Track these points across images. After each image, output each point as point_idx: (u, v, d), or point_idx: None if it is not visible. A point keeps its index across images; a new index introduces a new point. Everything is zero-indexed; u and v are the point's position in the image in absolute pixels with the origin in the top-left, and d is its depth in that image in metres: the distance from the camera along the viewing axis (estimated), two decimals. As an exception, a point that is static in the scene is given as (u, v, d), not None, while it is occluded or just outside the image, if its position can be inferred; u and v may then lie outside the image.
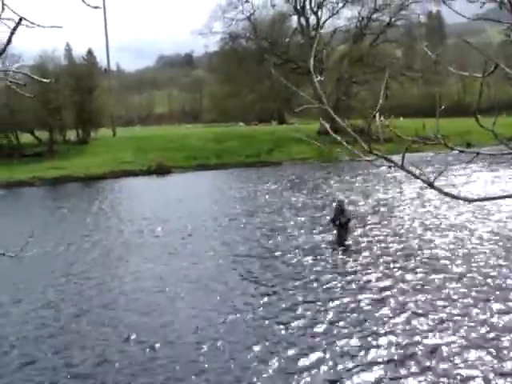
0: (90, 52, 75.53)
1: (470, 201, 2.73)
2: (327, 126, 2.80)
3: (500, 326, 7.63)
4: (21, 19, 2.29)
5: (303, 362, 6.87)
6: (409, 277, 10.00)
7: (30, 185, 27.39)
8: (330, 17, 46.87)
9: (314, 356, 7.00)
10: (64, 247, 13.89)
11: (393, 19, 46.26)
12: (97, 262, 12.34)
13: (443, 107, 2.81)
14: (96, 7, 2.93)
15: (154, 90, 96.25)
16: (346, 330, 7.73)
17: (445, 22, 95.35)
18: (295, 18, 47.98)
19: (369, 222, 14.89)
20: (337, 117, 2.54)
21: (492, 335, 7.33)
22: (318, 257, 11.66)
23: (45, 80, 3.14)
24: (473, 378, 6.29)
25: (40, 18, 3.18)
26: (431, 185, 2.54)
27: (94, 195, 24.23)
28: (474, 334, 7.38)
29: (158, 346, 7.56)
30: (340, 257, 11.68)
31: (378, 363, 6.73)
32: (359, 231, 13.84)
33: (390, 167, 2.64)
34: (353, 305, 8.73)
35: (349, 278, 10.17)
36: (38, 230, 15.71)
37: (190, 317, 8.63)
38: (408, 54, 53.52)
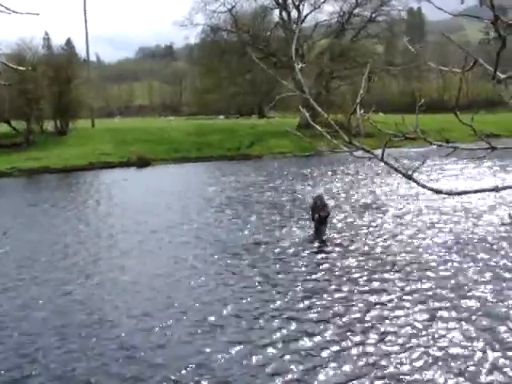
0: (69, 42, 74.62)
1: (446, 194, 2.75)
2: (307, 115, 2.79)
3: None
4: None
5: (281, 355, 6.90)
6: (386, 270, 10.08)
7: (7, 175, 26.99)
8: (311, 11, 46.93)
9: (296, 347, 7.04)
10: (40, 240, 13.73)
11: (374, 15, 46.51)
12: (72, 255, 12.22)
13: (423, 100, 2.82)
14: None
15: (134, 81, 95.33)
16: (323, 323, 7.77)
17: (425, 19, 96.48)
18: (277, 11, 47.97)
19: (348, 216, 14.97)
20: (317, 105, 2.53)
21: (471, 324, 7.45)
22: (296, 251, 11.68)
23: (21, 68, 3.08)
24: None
25: (16, 4, 3.12)
26: (410, 177, 2.56)
27: (73, 187, 23.99)
28: (456, 327, 7.49)
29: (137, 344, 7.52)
30: (318, 251, 11.73)
31: (355, 356, 6.79)
32: (338, 225, 13.91)
33: (369, 159, 2.65)
34: (331, 298, 8.77)
35: (326, 272, 10.22)
36: (14, 223, 15.50)
37: (166, 311, 8.59)
38: (389, 49, 53.94)
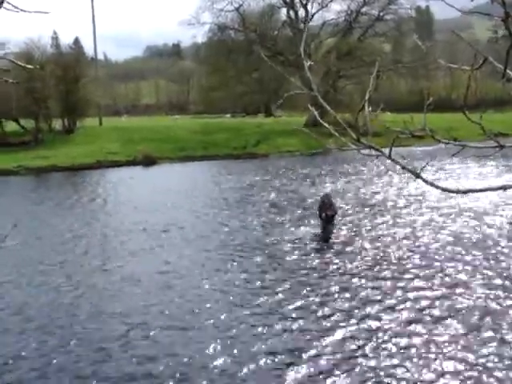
0: (77, 41, 74.82)
1: (454, 192, 2.73)
2: (316, 113, 2.78)
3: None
4: (2, 1, 2.24)
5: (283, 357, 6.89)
6: (393, 269, 10.05)
7: (15, 174, 27.09)
8: (319, 10, 46.84)
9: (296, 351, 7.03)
10: (45, 238, 13.79)
11: (381, 13, 46.37)
12: (77, 254, 12.26)
13: (431, 99, 2.81)
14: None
15: (140, 80, 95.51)
16: (330, 324, 7.76)
17: (433, 17, 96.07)
18: (284, 10, 47.94)
19: (355, 215, 14.94)
20: (325, 104, 2.52)
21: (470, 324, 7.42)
22: (303, 251, 11.66)
23: (29, 66, 3.09)
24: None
25: (25, 3, 3.12)
26: (418, 176, 2.54)
27: (80, 186, 24.06)
28: (463, 326, 7.46)
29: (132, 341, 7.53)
30: (325, 250, 11.71)
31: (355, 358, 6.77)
32: (345, 224, 13.88)
33: (377, 157, 2.64)
34: (337, 297, 8.75)
35: (333, 271, 10.20)
36: (21, 220, 15.57)
37: (168, 310, 8.60)
38: (396, 48, 53.72)
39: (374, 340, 7.14)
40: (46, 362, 6.86)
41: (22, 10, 2.84)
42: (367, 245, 11.90)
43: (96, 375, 6.51)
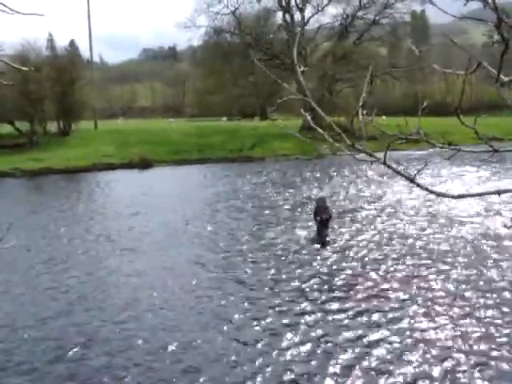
0: (72, 43, 74.81)
1: (449, 197, 2.74)
2: (309, 118, 2.79)
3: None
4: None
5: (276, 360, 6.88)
6: (388, 274, 10.06)
7: (10, 176, 27.06)
8: (314, 13, 46.95)
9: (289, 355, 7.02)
10: (39, 240, 13.75)
11: (377, 17, 46.52)
12: (70, 256, 12.22)
13: (426, 104, 2.82)
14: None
15: (136, 82, 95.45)
16: (324, 329, 7.75)
17: (429, 22, 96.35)
18: (280, 13, 48.02)
19: (350, 218, 14.95)
20: (319, 109, 2.53)
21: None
22: (298, 254, 11.66)
23: (24, 68, 3.09)
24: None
25: (20, 5, 3.12)
26: (412, 180, 2.55)
27: (74, 188, 24.00)
28: (460, 329, 7.47)
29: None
30: (320, 254, 11.70)
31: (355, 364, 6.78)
32: (340, 228, 13.88)
33: (372, 163, 2.64)
34: (332, 303, 8.75)
35: (328, 275, 10.19)
36: (16, 223, 15.51)
37: (157, 315, 8.58)
38: (392, 52, 53.91)
39: (364, 342, 7.15)
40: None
41: (17, 12, 2.83)
42: (361, 249, 11.89)
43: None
